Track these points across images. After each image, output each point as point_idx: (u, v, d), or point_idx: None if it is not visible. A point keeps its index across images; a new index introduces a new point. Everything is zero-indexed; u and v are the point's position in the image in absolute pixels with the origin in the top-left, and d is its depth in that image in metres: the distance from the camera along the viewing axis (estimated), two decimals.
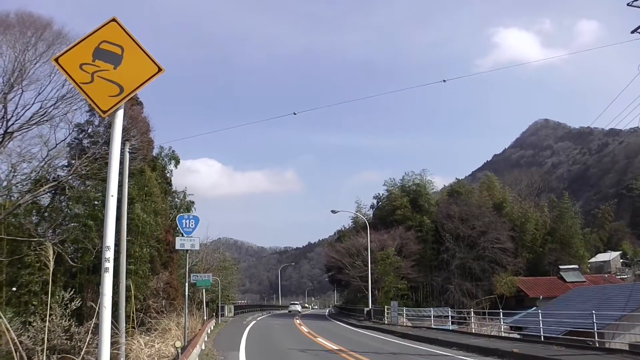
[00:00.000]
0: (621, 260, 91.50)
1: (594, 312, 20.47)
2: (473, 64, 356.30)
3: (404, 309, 43.31)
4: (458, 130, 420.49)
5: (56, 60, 5.28)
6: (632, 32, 20.08)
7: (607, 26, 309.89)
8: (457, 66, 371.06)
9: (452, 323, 38.84)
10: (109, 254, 5.09)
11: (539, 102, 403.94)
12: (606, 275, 65.17)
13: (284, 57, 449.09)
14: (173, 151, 39.81)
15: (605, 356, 17.07)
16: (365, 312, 48.13)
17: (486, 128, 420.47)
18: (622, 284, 50.27)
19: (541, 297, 49.81)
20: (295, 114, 27.42)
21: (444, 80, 25.38)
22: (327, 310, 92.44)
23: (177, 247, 20.02)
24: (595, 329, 20.15)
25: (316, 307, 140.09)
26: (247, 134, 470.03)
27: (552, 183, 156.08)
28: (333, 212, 54.43)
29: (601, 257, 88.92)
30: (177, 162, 40.59)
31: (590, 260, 76.64)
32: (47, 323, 11.84)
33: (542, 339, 22.53)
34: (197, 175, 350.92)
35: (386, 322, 41.03)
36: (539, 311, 26.23)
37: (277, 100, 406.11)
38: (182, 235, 19.42)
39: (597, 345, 19.84)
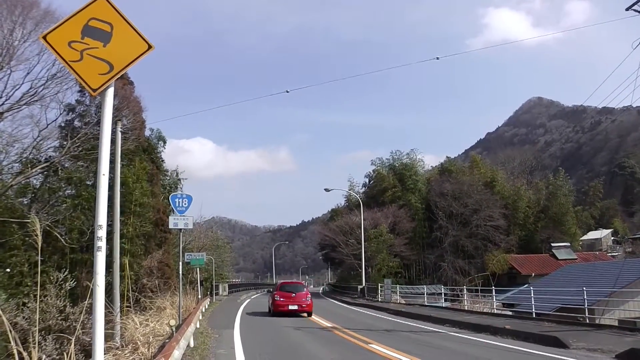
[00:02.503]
0: (612, 238, 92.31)
1: (584, 289, 20.63)
2: (464, 44, 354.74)
3: (397, 286, 43.57)
4: (451, 109, 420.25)
5: (44, 38, 5.22)
6: (627, 9, 19.98)
7: (599, 4, 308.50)
8: (449, 46, 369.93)
9: (445, 300, 39.12)
10: (102, 233, 5.08)
11: (533, 81, 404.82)
12: (597, 253, 65.81)
13: (277, 35, 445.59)
14: (160, 132, 40.22)
15: (594, 332, 17.27)
16: (358, 289, 48.45)
17: (480, 107, 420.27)
18: (613, 261, 50.70)
19: (533, 274, 50.20)
20: (287, 91, 27.26)
21: (437, 58, 25.29)
22: (321, 288, 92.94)
23: (171, 226, 19.94)
24: (586, 306, 20.34)
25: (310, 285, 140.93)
26: (240, 113, 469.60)
27: (545, 161, 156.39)
28: (326, 190, 54.57)
29: (593, 234, 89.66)
30: (164, 142, 41.01)
31: (582, 238, 77.23)
32: (39, 303, 11.86)
33: (534, 316, 22.72)
34: (190, 154, 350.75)
35: (380, 299, 41.30)
36: (531, 288, 26.42)
37: (270, 79, 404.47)
38: (176, 214, 19.37)
39: (587, 321, 20.04)
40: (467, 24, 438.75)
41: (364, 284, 48.41)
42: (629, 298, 24.51)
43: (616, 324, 20.63)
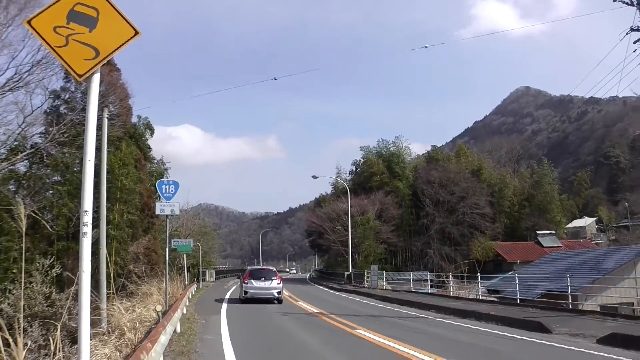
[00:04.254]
0: (596, 226, 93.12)
1: (568, 275, 20.91)
2: (452, 35, 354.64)
3: (384, 273, 43.86)
4: (440, 98, 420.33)
5: (29, 22, 5.18)
6: (615, 0, 20.14)
7: None
8: (438, 36, 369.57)
9: (431, 287, 39.33)
10: (87, 219, 5.09)
11: (521, 71, 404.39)
12: (581, 241, 66.40)
13: (266, 22, 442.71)
14: (148, 120, 40.23)
15: (577, 317, 17.54)
16: (345, 276, 48.65)
17: (468, 96, 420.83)
18: (596, 249, 51.19)
19: (518, 261, 50.61)
20: (275, 79, 27.30)
21: (426, 47, 25.39)
22: (308, 275, 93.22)
23: (157, 212, 19.90)
24: (569, 292, 20.63)
25: (294, 271, 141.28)
26: (229, 101, 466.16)
27: (532, 150, 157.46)
28: (314, 177, 54.81)
29: (577, 222, 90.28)
30: (152, 132, 41.03)
31: (566, 226, 77.81)
32: (25, 290, 11.84)
33: (519, 302, 22.99)
34: (178, 141, 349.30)
35: (366, 285, 41.53)
36: (516, 275, 26.73)
37: (258, 66, 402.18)
38: (163, 201, 19.33)
39: (571, 307, 20.35)
40: (455, 15, 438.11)
41: (350, 271, 48.61)
42: (611, 285, 24.86)
43: (598, 309, 20.94)
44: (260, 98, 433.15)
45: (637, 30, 20.04)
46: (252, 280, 26.49)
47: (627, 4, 20.15)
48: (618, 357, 10.83)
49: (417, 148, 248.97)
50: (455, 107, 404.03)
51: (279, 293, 26.50)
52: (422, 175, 61.15)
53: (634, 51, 20.13)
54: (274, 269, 29.28)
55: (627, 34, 20.26)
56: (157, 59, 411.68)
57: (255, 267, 34.10)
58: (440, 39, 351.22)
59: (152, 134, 41.10)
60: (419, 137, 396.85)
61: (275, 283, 26.55)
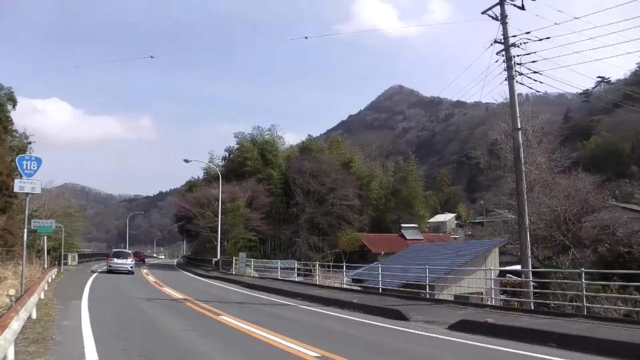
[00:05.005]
0: (456, 222, 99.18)
1: (427, 267, 21.95)
2: (333, 29, 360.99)
3: (252, 260, 43.87)
4: (318, 90, 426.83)
5: None
6: (483, 12, 21.51)
7: (461, 6, 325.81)
8: (320, 28, 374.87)
9: (298, 275, 39.85)
10: None
11: (395, 70, 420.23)
12: (441, 234, 70.32)
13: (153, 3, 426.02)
14: (11, 91, 37.69)
15: (433, 306, 18.52)
16: (213, 262, 48.23)
17: (344, 90, 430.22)
18: (454, 242, 54.34)
19: (383, 252, 52.45)
20: (152, 57, 26.34)
21: (306, 37, 25.62)
22: (176, 261, 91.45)
23: (16, 189, 18.48)
24: (427, 282, 21.64)
25: (163, 257, 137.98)
26: (102, 77, 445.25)
27: (401, 146, 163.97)
28: (186, 161, 53.35)
29: (439, 217, 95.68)
30: (15, 103, 38.49)
31: (429, 220, 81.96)
32: None
33: (380, 291, 23.82)
34: (44, 116, 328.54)
35: (234, 272, 41.44)
36: (379, 265, 27.64)
37: (135, 42, 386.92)
38: (23, 178, 18.04)
39: (428, 296, 21.39)
40: (336, 9, 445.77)
41: (218, 257, 48.23)
42: (464, 275, 26.42)
43: (452, 299, 22.23)
44: (136, 76, 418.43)
45: (499, 42, 21.51)
46: (114, 259, 41.02)
47: (493, 18, 21.58)
48: (463, 341, 11.56)
49: (292, 138, 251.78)
50: (332, 100, 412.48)
51: (131, 267, 40.61)
52: (295, 164, 61.69)
53: (496, 61, 21.61)
54: (130, 252, 46.00)
55: (491, 44, 21.71)
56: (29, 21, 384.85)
57: (117, 249, 49.97)
58: (321, 31, 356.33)
59: (14, 106, 38.59)
60: (295, 127, 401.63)
61: (129, 261, 40.90)
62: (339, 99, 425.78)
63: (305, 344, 10.31)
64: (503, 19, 21.44)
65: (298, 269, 41.06)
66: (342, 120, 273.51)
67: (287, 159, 65.56)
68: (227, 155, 71.07)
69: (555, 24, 20.75)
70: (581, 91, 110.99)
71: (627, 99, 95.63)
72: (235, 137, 69.54)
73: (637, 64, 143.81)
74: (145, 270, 45.72)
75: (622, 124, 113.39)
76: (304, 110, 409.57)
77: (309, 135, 74.68)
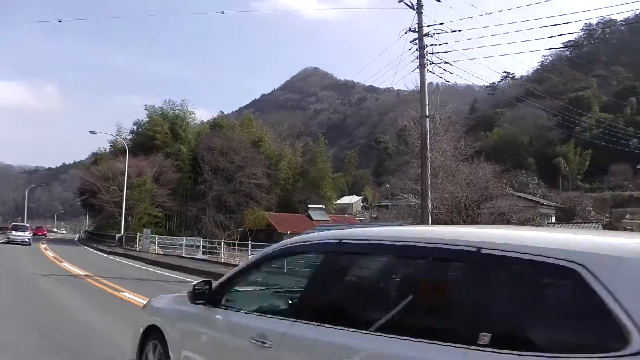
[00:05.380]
0: (362, 204, 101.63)
1: None
2: (249, 6, 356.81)
3: (157, 236, 43.54)
4: (232, 67, 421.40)
5: None
6: (400, 0, 22.30)
7: None
8: (236, 5, 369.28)
9: (203, 253, 39.81)
10: None
11: (311, 51, 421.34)
12: (346, 216, 72.06)
13: None
14: None
15: None
16: (116, 238, 47.40)
17: (259, 68, 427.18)
18: (359, 224, 55.83)
19: (289, 232, 53.05)
20: (60, 21, 25.49)
21: (223, 12, 25.59)
22: (77, 236, 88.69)
23: None
24: None
25: (65, 231, 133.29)
26: (3, 39, 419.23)
27: (312, 128, 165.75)
28: (92, 132, 51.60)
29: (346, 199, 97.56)
30: None
31: (336, 202, 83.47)
32: None
33: (285, 271, 24.45)
34: None
35: (138, 249, 41.02)
36: None
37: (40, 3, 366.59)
38: None
39: None
40: None
41: (122, 233, 47.45)
42: None
43: None
44: (42, 40, 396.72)
45: (414, 31, 22.39)
46: (12, 231, 45.82)
47: (409, 6, 22.42)
48: None
49: (204, 114, 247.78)
50: (246, 78, 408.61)
51: (29, 239, 44.85)
52: (205, 141, 61.07)
53: (410, 49, 22.51)
54: (29, 225, 53.80)
55: (406, 32, 22.56)
56: None
57: (16, 224, 55.16)
58: (238, 8, 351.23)
59: None
60: (207, 104, 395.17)
61: (27, 233, 46.17)
62: (253, 78, 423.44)
63: None
64: (419, 8, 22.21)
65: (203, 247, 41.10)
66: (255, 99, 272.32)
67: (197, 135, 64.71)
68: (135, 128, 69.14)
69: (468, 17, 21.89)
70: (488, 84, 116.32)
71: (528, 95, 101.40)
72: (145, 109, 67.62)
73: (538, 62, 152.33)
74: (44, 246, 44.12)
75: (523, 118, 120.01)
76: (218, 87, 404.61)
77: (220, 111, 73.96)
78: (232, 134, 62.90)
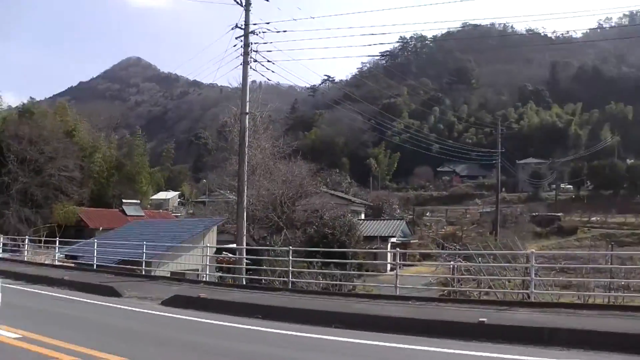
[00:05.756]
0: (179, 200, 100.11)
1: (144, 243, 21.93)
2: None
3: None
4: (46, 48, 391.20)
5: None
6: None
7: None
8: None
9: (5, 251, 36.71)
10: None
11: (135, 40, 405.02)
12: (162, 212, 70.49)
13: None
14: None
15: (149, 282, 18.81)
16: None
17: (78, 53, 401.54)
18: (175, 220, 54.88)
19: (101, 228, 50.49)
20: None
21: None
22: None
23: None
24: (144, 259, 21.68)
25: None
26: None
27: (131, 120, 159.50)
28: None
29: (162, 195, 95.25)
30: None
31: (152, 197, 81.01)
32: None
33: (95, 268, 23.20)
34: None
35: None
36: (95, 241, 26.79)
37: None
38: None
39: (144, 273, 21.43)
40: None
41: None
42: (183, 252, 26.76)
43: (169, 275, 22.54)
44: None
45: (240, 28, 22.31)
46: None
47: (238, 3, 22.26)
48: (173, 315, 11.97)
49: (11, 99, 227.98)
50: (62, 62, 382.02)
51: None
52: (11, 128, 55.94)
53: (235, 46, 22.38)
54: None
55: (232, 29, 22.42)
56: None
57: None
58: None
59: None
60: (16, 87, 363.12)
61: None
62: (70, 62, 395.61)
63: (4, 324, 9.57)
64: (247, 5, 22.28)
65: (4, 244, 37.77)
66: (72, 86, 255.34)
67: (3, 122, 59.09)
68: None
69: (294, 19, 22.20)
70: (309, 86, 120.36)
71: (346, 99, 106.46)
72: None
73: (357, 68, 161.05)
74: None
75: (340, 120, 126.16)
76: (30, 69, 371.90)
77: (31, 97, 68.13)
78: (43, 122, 58.20)
